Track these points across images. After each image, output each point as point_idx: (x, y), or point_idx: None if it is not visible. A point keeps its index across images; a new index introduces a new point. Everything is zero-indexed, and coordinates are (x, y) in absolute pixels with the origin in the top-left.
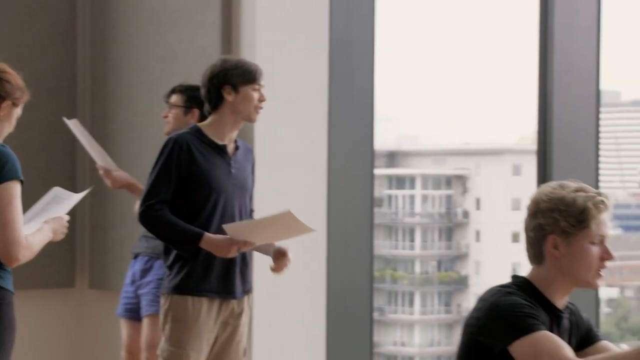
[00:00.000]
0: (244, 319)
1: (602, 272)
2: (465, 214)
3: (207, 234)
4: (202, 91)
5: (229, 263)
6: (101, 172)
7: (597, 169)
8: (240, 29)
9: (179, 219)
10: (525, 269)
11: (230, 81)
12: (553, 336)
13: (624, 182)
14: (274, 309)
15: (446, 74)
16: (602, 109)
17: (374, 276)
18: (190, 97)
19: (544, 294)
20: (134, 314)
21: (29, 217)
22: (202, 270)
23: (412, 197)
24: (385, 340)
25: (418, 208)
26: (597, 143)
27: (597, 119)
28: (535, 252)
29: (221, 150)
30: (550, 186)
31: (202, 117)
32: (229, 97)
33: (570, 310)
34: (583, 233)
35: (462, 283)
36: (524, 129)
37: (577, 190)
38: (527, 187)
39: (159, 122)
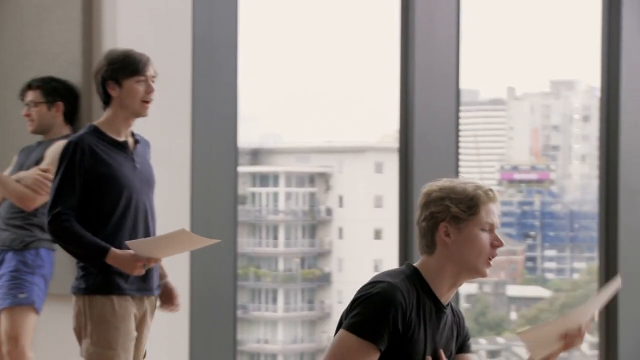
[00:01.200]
0: (151, 317)
1: (491, 261)
2: (329, 212)
3: (113, 249)
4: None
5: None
6: None
7: (457, 166)
8: (101, 25)
9: (90, 222)
10: (387, 266)
11: (112, 76)
12: (366, 355)
13: (483, 179)
14: None
15: (309, 72)
16: (461, 108)
17: (237, 274)
18: (49, 90)
19: (430, 285)
20: None
21: None
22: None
23: (275, 195)
24: (249, 337)
25: (282, 205)
26: (457, 141)
27: (457, 117)
28: (427, 241)
29: (122, 146)
30: (439, 180)
31: (68, 109)
32: (114, 92)
33: (453, 310)
34: (473, 220)
35: (325, 280)
36: (386, 128)
37: (466, 182)
38: (389, 185)
39: (17, 119)
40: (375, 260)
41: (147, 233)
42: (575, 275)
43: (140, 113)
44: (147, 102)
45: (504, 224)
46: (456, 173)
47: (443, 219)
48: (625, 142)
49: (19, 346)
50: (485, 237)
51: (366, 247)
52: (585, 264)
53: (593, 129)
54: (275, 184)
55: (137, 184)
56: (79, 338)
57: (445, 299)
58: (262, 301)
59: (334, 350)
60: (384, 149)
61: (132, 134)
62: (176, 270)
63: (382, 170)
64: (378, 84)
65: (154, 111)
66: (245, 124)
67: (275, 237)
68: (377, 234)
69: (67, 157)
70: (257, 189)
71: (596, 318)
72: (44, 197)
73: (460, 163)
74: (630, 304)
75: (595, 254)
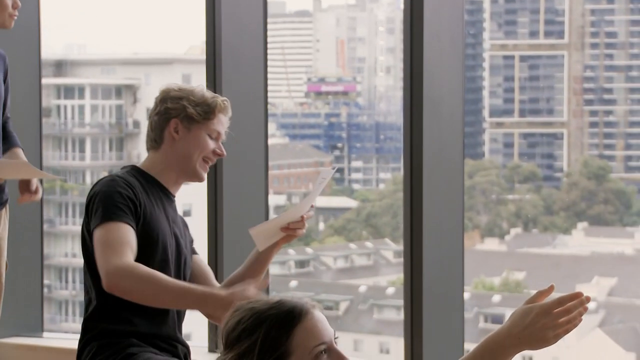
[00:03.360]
0: (4, 231)
1: (207, 167)
2: (136, 124)
3: None
4: None
5: None
6: None
7: (265, 78)
8: None
9: None
10: None
11: None
12: (127, 233)
13: (291, 92)
14: None
15: None
16: (268, 19)
17: (43, 187)
18: None
19: (156, 177)
20: None
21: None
22: None
23: (81, 107)
24: (56, 252)
25: (88, 118)
26: (265, 53)
27: (265, 28)
28: (156, 135)
29: None
30: (179, 83)
31: None
32: None
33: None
34: (205, 124)
35: None
36: (193, 39)
37: (205, 90)
38: None
39: None
40: None
41: None
42: (381, 186)
43: (6, 25)
44: (14, 16)
45: (311, 136)
46: (265, 85)
47: (176, 116)
48: (428, 54)
49: None
50: (210, 143)
51: None
52: (390, 175)
53: (397, 41)
54: (81, 96)
55: None
56: None
57: (173, 190)
58: (70, 215)
59: (97, 250)
60: (191, 60)
61: None
62: None
63: (190, 81)
64: None
65: None
66: (49, 34)
67: (82, 150)
68: None
69: None
70: (62, 102)
71: (314, 206)
72: None
73: (268, 75)
74: (433, 210)
75: (400, 164)
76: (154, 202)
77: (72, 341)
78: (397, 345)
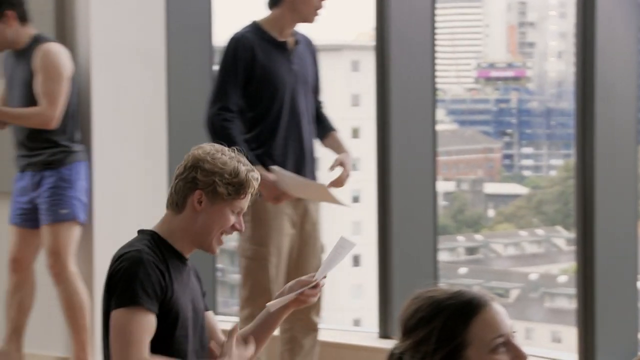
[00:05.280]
0: (319, 215)
1: (223, 241)
2: None
3: (258, 167)
4: None
5: (300, 165)
6: None
7: (433, 64)
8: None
9: (245, 123)
10: (364, 162)
11: None
12: (147, 322)
13: (460, 78)
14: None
15: None
16: (437, 4)
17: None
18: None
19: (168, 241)
20: (28, 223)
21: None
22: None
23: None
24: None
25: None
26: (434, 38)
27: (433, 14)
28: (178, 198)
29: (281, 47)
30: (212, 145)
31: (20, 12)
32: None
33: (196, 273)
34: (231, 202)
35: None
36: (362, 26)
37: (239, 159)
38: (365, 83)
39: None
40: (354, 159)
41: (301, 135)
42: (552, 172)
43: (309, 19)
44: (319, 9)
45: (480, 122)
46: (432, 71)
47: (203, 188)
48: (601, 38)
49: (60, 261)
50: (232, 218)
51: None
52: (561, 161)
53: (569, 25)
54: None
55: (293, 84)
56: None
57: (186, 255)
58: None
59: (115, 335)
60: (360, 47)
61: (293, 34)
62: (154, 177)
63: (359, 68)
64: None
65: (128, 9)
66: (220, 21)
67: None
68: (355, 133)
69: (230, 53)
70: None
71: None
72: (59, 110)
73: (437, 61)
74: (605, 198)
75: (571, 150)
76: (174, 277)
77: None
78: (569, 335)
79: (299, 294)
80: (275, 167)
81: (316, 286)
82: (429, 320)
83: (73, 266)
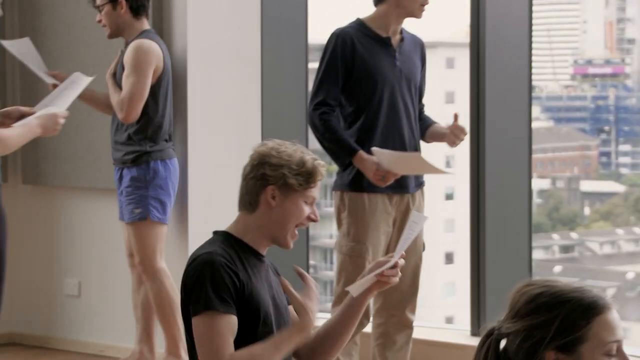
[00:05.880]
0: (421, 212)
1: (297, 234)
2: None
3: (360, 152)
4: None
5: None
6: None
7: (529, 61)
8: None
9: (345, 116)
10: (458, 155)
11: None
12: (228, 325)
13: (556, 75)
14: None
15: None
16: (534, 1)
17: None
18: None
19: (244, 239)
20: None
21: (45, 103)
22: None
23: None
24: (321, 233)
25: None
26: (530, 35)
27: (530, 10)
28: (251, 198)
29: (385, 42)
30: (272, 141)
31: (133, 3)
32: None
33: (273, 266)
34: (303, 193)
35: None
36: (457, 23)
37: (303, 151)
38: (460, 80)
39: (89, 14)
40: (447, 156)
41: (401, 132)
42: None
43: (416, 15)
44: (424, 5)
45: (577, 119)
46: (529, 68)
47: (274, 183)
48: None
49: (145, 259)
50: (306, 209)
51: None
52: None
53: None
54: None
55: (395, 81)
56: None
57: (263, 252)
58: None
59: (198, 341)
60: (456, 44)
61: (401, 32)
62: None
63: (454, 65)
64: None
65: (224, 7)
66: (314, 19)
67: None
68: None
69: (330, 48)
70: None
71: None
72: (139, 107)
73: (533, 58)
74: None
75: None
76: (252, 274)
77: None
78: None
79: (378, 274)
80: (374, 148)
81: (395, 266)
82: (552, 308)
83: (160, 263)
